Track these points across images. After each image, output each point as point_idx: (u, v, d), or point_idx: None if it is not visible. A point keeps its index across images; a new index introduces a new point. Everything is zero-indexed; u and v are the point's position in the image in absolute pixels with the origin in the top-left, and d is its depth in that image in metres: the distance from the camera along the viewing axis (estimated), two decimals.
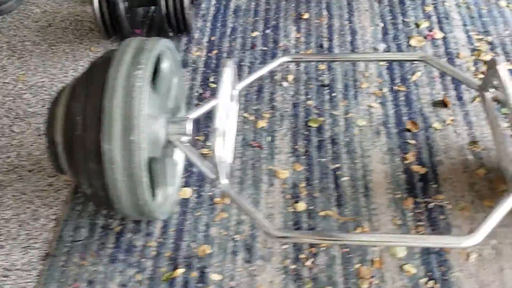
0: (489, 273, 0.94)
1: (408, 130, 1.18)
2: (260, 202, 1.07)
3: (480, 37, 1.39)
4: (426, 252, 0.97)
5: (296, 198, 1.08)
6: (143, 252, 1.00)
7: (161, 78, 0.97)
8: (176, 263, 0.98)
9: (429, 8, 1.48)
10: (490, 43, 1.37)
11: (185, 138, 0.95)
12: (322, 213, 1.05)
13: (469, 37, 1.39)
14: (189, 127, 0.94)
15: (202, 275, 0.96)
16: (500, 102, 1.13)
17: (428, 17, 1.46)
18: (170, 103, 1.02)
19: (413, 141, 1.16)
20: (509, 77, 0.88)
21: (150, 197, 0.87)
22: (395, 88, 1.28)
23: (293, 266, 0.97)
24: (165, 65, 0.98)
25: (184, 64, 1.38)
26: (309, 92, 1.29)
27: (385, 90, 1.28)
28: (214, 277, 0.96)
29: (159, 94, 0.96)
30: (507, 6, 1.47)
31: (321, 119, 1.22)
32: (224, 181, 0.86)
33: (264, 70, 1.11)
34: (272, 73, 1.33)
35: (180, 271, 0.97)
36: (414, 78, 1.29)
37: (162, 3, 1.32)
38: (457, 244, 0.78)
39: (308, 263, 0.97)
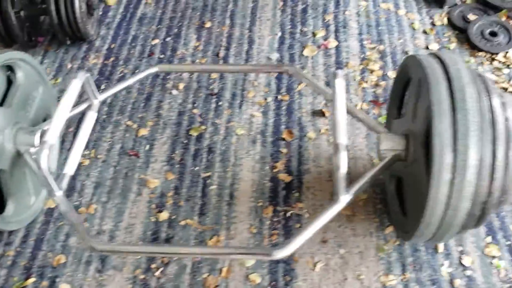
0: (331, 282, 0.95)
1: (283, 139, 1.19)
2: (125, 212, 1.09)
3: (373, 46, 1.40)
4: (276, 261, 0.99)
5: (160, 208, 1.09)
6: (0, 261, 1.02)
7: (14, 89, 0.99)
8: (29, 273, 0.99)
9: (329, 17, 1.50)
10: (381, 52, 1.38)
11: (33, 149, 0.96)
12: (182, 222, 1.06)
13: (362, 46, 1.41)
14: (37, 138, 0.96)
15: (52, 284, 0.97)
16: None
17: (326, 26, 1.48)
18: (29, 114, 1.04)
19: (285, 150, 1.17)
20: (342, 91, 0.90)
21: None
22: (280, 97, 1.29)
23: (142, 276, 0.98)
24: (18, 76, 0.99)
25: None
26: (197, 100, 1.30)
27: (270, 99, 1.29)
28: (63, 286, 0.97)
29: (9, 106, 0.97)
30: (405, 15, 1.48)
31: (203, 127, 1.24)
32: (58, 193, 0.87)
33: (131, 81, 1.12)
34: (164, 80, 1.35)
35: (32, 280, 0.98)
36: (299, 87, 1.31)
37: (53, 13, 1.33)
38: (267, 256, 0.79)
39: (158, 273, 0.98)
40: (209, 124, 1.25)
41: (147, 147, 1.21)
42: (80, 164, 1.17)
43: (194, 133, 1.23)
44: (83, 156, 1.19)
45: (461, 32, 1.41)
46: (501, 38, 1.36)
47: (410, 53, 1.37)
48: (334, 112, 0.87)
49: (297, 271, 0.97)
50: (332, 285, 0.95)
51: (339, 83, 0.91)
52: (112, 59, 1.43)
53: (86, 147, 1.21)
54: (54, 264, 1.00)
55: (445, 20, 1.45)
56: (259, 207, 1.07)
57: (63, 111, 0.89)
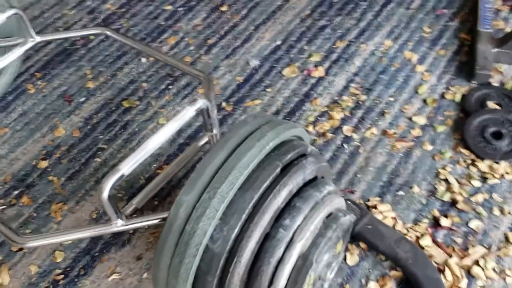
0: None
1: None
2: (22, 146, 1.16)
3: (357, 92, 1.22)
4: (86, 251, 0.98)
5: (47, 156, 1.14)
6: None
7: None
8: None
9: (341, 45, 1.33)
10: (359, 102, 1.20)
11: None
12: (50, 177, 1.10)
13: (345, 87, 1.23)
14: None
15: None
16: None
17: (330, 52, 1.31)
18: None
19: None
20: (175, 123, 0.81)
21: None
22: (224, 105, 1.22)
23: None
24: None
25: None
26: (154, 76, 1.29)
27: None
28: None
29: None
30: (422, 73, 1.25)
31: (136, 102, 1.23)
32: None
33: (75, 34, 1.15)
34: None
35: None
36: (250, 103, 1.21)
37: None
38: (11, 238, 0.79)
39: None
40: (144, 102, 1.24)
41: (83, 99, 1.26)
42: (26, 90, 1.28)
43: (126, 105, 1.23)
44: (34, 84, 1.29)
45: (466, 117, 1.14)
46: (504, 144, 1.07)
47: (388, 116, 1.16)
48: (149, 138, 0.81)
49: (94, 270, 0.95)
50: None
51: (186, 112, 0.84)
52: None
53: (42, 78, 1.31)
54: None
55: (459, 97, 1.19)
56: (117, 197, 1.06)
57: None
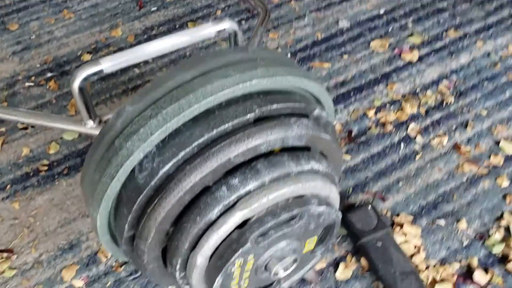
0: None
1: None
2: None
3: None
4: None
5: None
6: None
7: None
8: None
9: None
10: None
11: None
12: None
13: None
14: None
15: None
16: None
17: None
18: None
19: None
20: None
21: None
22: None
23: None
24: None
25: None
26: None
27: None
28: None
29: None
30: None
31: None
32: None
33: None
34: None
35: None
36: None
37: None
38: None
39: None
40: None
41: (154, 8, 1.18)
42: None
43: (190, 26, 1.14)
44: None
45: None
46: None
47: (470, 130, 0.91)
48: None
49: (78, 175, 0.89)
50: None
51: None
52: None
53: None
54: None
55: None
56: None
57: None
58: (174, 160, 0.51)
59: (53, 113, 0.98)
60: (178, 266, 0.56)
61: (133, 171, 0.53)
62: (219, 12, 1.17)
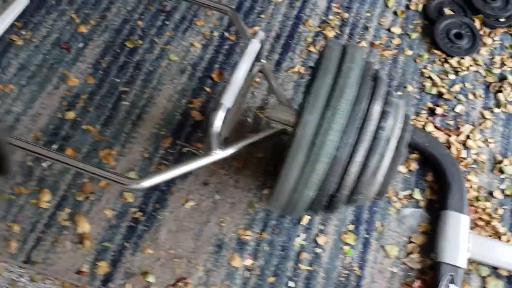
0: (194, 221, 1.02)
1: (211, 78, 1.21)
2: (37, 100, 1.13)
3: (339, 11, 1.37)
4: (154, 187, 1.05)
5: (70, 107, 1.13)
6: None
7: None
8: None
9: None
10: (343, 20, 1.36)
11: None
12: (84, 127, 1.11)
13: (328, 8, 1.37)
14: None
15: None
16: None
17: None
18: None
19: (209, 89, 1.19)
20: (252, 54, 0.90)
21: None
22: (226, 35, 1.29)
23: (30, 163, 1.05)
24: None
25: None
26: (146, 13, 1.30)
27: (216, 34, 1.29)
28: None
29: None
30: None
31: (139, 42, 1.25)
32: None
33: None
34: None
35: None
36: (250, 30, 1.30)
37: None
38: (124, 183, 0.85)
39: (45, 164, 1.05)
40: (147, 40, 1.25)
41: (81, 45, 1.22)
42: (12, 42, 1.20)
43: (129, 45, 1.24)
44: (18, 35, 1.21)
45: (431, 23, 1.37)
46: (464, 42, 1.33)
47: (371, 30, 1.34)
48: (234, 71, 0.88)
49: (168, 202, 1.04)
50: (194, 224, 1.02)
51: (253, 46, 0.92)
52: None
53: (25, 27, 1.23)
54: None
55: (421, 7, 1.41)
56: (160, 135, 1.12)
57: None
58: (355, 132, 0.79)
59: None
60: None
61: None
62: (140, 23, 1.27)
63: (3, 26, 0.96)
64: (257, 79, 1.21)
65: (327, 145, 0.78)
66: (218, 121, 0.84)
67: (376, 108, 0.82)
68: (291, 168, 0.80)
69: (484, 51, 1.33)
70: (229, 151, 0.90)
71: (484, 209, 1.09)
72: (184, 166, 0.88)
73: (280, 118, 0.93)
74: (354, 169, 0.81)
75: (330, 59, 0.83)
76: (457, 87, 1.26)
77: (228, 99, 0.85)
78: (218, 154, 0.89)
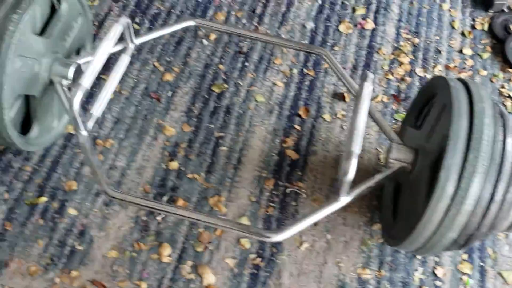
0: (312, 263, 1.04)
1: (299, 115, 1.24)
2: (139, 153, 1.15)
3: (409, 36, 1.40)
4: None
5: (172, 157, 1.15)
6: (18, 174, 1.09)
7: (56, 19, 1.01)
8: (42, 191, 1.08)
9: None
10: (415, 45, 1.38)
11: (65, 82, 1.00)
12: (190, 176, 1.13)
13: (398, 34, 1.40)
14: (71, 71, 0.99)
15: (62, 207, 1.06)
16: None
17: (368, 4, 1.46)
18: (66, 44, 1.06)
19: (298, 127, 1.22)
20: (368, 97, 0.93)
21: (14, 132, 0.95)
22: (305, 71, 1.31)
23: (144, 218, 1.06)
24: (62, 7, 1.01)
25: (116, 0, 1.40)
26: (225, 56, 1.32)
27: (295, 71, 1.31)
28: (71, 211, 1.06)
29: (50, 36, 1.00)
30: (448, 10, 1.46)
31: (225, 86, 1.27)
32: (83, 132, 0.93)
33: (167, 31, 1.13)
34: (196, 26, 1.35)
35: (44, 199, 1.07)
36: (326, 65, 1.32)
37: None
38: (266, 238, 0.87)
39: (159, 218, 1.07)
40: (231, 83, 1.28)
41: (170, 93, 1.25)
42: None
43: (216, 90, 1.26)
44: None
45: (499, 42, 1.40)
46: None
47: (443, 53, 1.37)
48: (355, 116, 0.90)
49: (284, 246, 1.06)
50: (312, 266, 1.04)
51: (367, 87, 0.94)
52: None
53: None
54: (66, 188, 1.08)
55: (486, 26, 1.44)
56: (262, 177, 1.14)
57: (101, 56, 0.92)
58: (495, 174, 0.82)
59: None
60: None
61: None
62: (221, 67, 1.30)
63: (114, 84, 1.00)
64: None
65: (472, 188, 0.80)
66: (352, 169, 0.86)
67: (511, 143, 0.84)
68: (435, 211, 0.82)
69: None
70: (354, 194, 0.93)
71: None
72: (315, 215, 0.90)
73: (402, 157, 0.95)
74: (495, 207, 0.83)
75: (459, 100, 0.86)
76: None
77: (356, 146, 0.87)
78: (346, 199, 0.91)
